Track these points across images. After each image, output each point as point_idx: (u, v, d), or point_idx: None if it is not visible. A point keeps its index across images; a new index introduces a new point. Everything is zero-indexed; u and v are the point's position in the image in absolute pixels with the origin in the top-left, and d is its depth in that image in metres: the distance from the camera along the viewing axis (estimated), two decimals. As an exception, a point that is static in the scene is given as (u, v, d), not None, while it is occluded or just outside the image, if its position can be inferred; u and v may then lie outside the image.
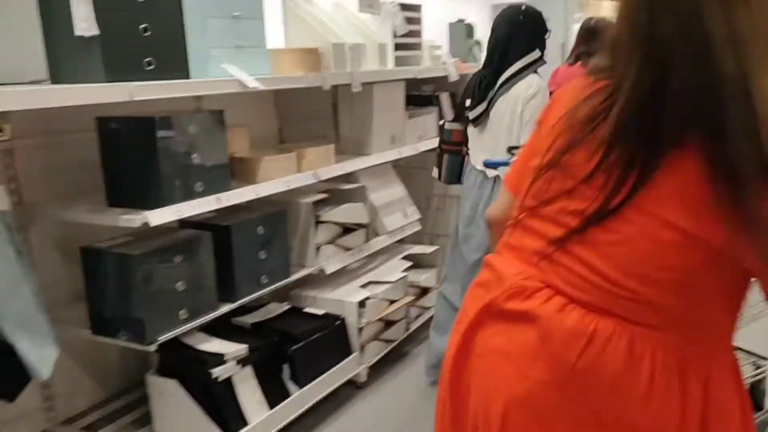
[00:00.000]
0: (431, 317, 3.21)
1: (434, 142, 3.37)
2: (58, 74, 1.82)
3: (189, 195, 2.02)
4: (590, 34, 3.39)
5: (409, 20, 3.05)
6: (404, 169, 3.58)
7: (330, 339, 2.52)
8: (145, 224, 1.87)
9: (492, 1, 5.12)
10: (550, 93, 2.71)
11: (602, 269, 0.91)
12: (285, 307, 2.61)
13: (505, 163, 2.18)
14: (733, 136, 0.79)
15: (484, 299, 1.04)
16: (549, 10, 5.01)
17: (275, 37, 2.68)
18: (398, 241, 3.13)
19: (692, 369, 0.92)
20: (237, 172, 2.31)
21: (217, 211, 2.21)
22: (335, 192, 2.75)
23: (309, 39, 2.65)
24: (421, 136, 3.29)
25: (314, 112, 3.03)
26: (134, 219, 1.86)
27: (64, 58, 1.80)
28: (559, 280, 0.96)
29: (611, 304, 0.91)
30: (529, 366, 0.96)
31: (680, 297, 0.88)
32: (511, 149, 2.24)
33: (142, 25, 1.84)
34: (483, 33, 4.15)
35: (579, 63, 3.43)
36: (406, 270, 2.95)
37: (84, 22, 1.69)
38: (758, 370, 2.31)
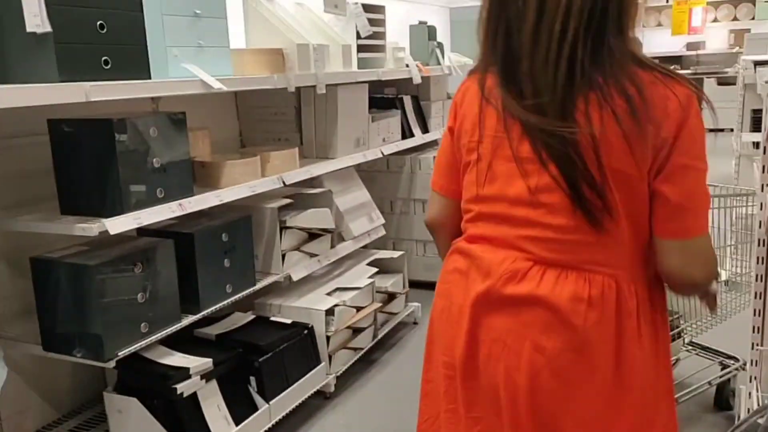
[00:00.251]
0: (399, 323, 3.16)
1: (398, 146, 3.34)
2: (7, 74, 1.69)
3: (149, 201, 1.91)
4: None
5: (373, 22, 3.00)
6: (366, 173, 3.53)
7: (297, 349, 2.44)
8: (103, 233, 1.76)
9: (449, 4, 5.12)
10: None
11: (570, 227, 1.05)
12: (250, 316, 2.52)
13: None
14: None
15: (475, 288, 1.12)
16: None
17: (235, 36, 2.59)
18: (363, 247, 3.07)
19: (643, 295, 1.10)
20: (199, 176, 2.22)
21: (178, 217, 2.11)
22: (300, 197, 2.68)
23: (271, 39, 2.57)
24: (385, 139, 3.24)
25: (276, 114, 2.95)
26: (91, 227, 1.74)
27: (14, 56, 1.67)
28: (543, 251, 1.08)
29: (591, 256, 1.06)
30: (543, 339, 1.06)
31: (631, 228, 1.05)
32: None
33: (99, 22, 1.73)
34: (442, 36, 4.14)
35: None
36: (372, 276, 2.90)
37: (35, 18, 1.57)
38: (725, 370, 2.35)
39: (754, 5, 9.34)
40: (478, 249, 1.15)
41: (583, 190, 1.02)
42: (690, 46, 9.83)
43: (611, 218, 1.04)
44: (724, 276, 2.24)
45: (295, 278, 2.56)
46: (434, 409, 1.23)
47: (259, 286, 2.41)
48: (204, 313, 2.17)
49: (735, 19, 9.59)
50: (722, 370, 2.35)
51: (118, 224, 1.78)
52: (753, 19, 9.35)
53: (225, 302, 2.25)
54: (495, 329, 1.10)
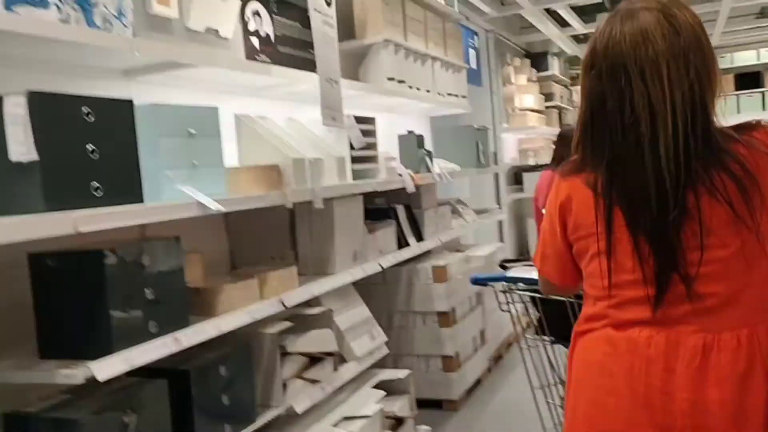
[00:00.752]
0: (410, 452, 2.89)
1: (396, 257, 3.20)
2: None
3: (141, 337, 1.71)
4: (562, 139, 3.86)
5: (365, 133, 2.95)
6: (361, 286, 3.36)
7: (305, 493, 2.17)
8: (90, 379, 1.54)
9: (429, 113, 5.18)
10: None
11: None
12: (250, 458, 2.24)
13: (498, 279, 2.01)
14: None
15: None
16: (481, 121, 5.13)
17: (228, 154, 2.49)
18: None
19: None
20: (192, 304, 2.03)
21: (171, 352, 1.90)
22: (299, 318, 2.48)
23: (265, 155, 2.47)
24: (382, 251, 3.11)
25: (269, 231, 2.80)
26: (75, 374, 1.53)
27: (-4, 186, 1.52)
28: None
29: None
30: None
31: None
32: (504, 263, 2.08)
33: (90, 146, 1.60)
34: (427, 144, 4.14)
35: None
36: (379, 401, 2.66)
37: (21, 146, 1.44)
38: None
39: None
40: None
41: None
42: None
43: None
44: None
45: (299, 410, 2.31)
46: None
47: (259, 423, 2.17)
48: (200, 461, 1.91)
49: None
50: None
51: (106, 367, 1.57)
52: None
53: (223, 446, 1.99)
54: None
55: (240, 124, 2.55)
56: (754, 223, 1.13)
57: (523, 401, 3.50)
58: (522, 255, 7.07)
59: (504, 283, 1.99)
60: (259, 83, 2.66)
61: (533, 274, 1.93)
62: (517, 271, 1.96)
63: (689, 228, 1.14)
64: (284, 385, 2.30)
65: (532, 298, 2.00)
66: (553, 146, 3.95)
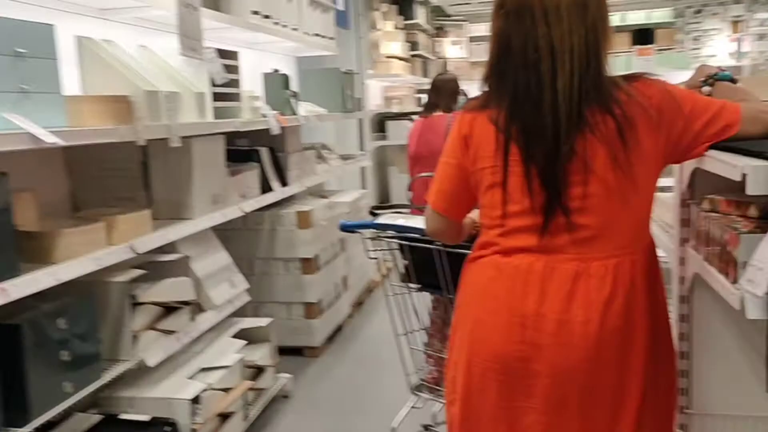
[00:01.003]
0: (271, 400, 2.83)
1: (258, 202, 3.06)
2: None
3: (-41, 289, 1.47)
4: (436, 88, 3.83)
5: (228, 68, 2.74)
6: (220, 231, 3.19)
7: (158, 450, 2.04)
8: None
9: (295, 53, 4.98)
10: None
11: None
12: (96, 417, 2.07)
13: (368, 225, 1.96)
14: None
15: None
16: (346, 65, 5.02)
17: (67, 82, 2.19)
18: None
19: None
20: (25, 250, 1.79)
21: (-1, 305, 1.67)
22: (152, 266, 2.30)
23: (113, 86, 2.20)
24: (244, 195, 2.96)
25: (116, 170, 2.53)
26: None
27: None
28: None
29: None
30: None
31: None
32: (373, 211, 2.03)
33: None
34: (293, 85, 3.97)
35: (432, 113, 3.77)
36: (240, 350, 2.57)
37: None
38: None
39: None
40: None
41: None
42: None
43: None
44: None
45: (150, 363, 2.16)
46: None
47: (106, 378, 1.99)
48: (35, 423, 1.72)
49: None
50: None
51: None
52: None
53: (63, 405, 1.81)
54: None
55: (83, 48, 2.24)
56: (628, 165, 1.23)
57: (383, 347, 3.58)
58: (384, 202, 7.16)
59: (373, 230, 1.95)
60: (105, 3, 2.36)
61: (402, 222, 1.91)
62: (387, 218, 1.93)
63: (575, 165, 1.25)
64: (135, 337, 2.13)
65: (400, 246, 1.98)
66: (427, 95, 3.95)
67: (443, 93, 3.72)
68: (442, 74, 4.01)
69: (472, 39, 10.02)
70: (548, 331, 1.26)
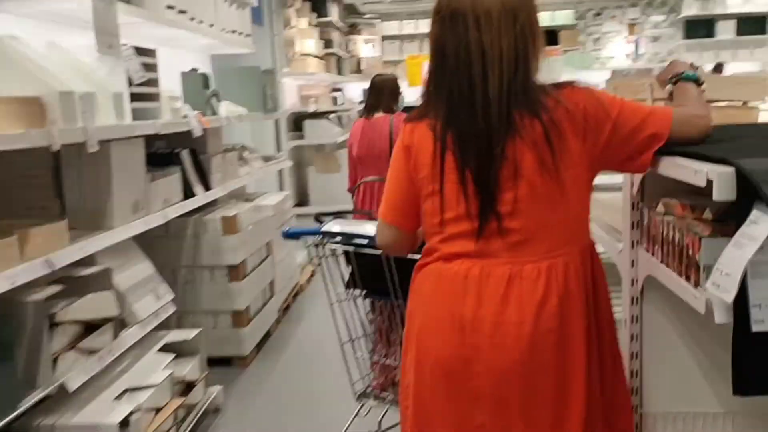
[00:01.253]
0: (202, 415, 2.70)
1: (182, 207, 2.91)
2: None
3: None
4: (373, 88, 3.75)
5: (146, 66, 2.58)
6: (141, 239, 3.01)
7: (85, 481, 1.89)
8: None
9: (211, 51, 4.79)
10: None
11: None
12: (13, 450, 1.88)
13: (316, 232, 1.89)
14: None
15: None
16: (261, 63, 4.89)
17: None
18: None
19: None
20: (-75, 271, 1.59)
21: None
22: (71, 280, 2.12)
23: (21, 86, 2.01)
24: (167, 200, 2.79)
25: (24, 177, 2.33)
26: None
27: None
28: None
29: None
30: None
31: None
32: (319, 217, 1.96)
33: None
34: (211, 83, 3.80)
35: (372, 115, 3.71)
36: (168, 365, 2.42)
37: None
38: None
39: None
40: None
41: None
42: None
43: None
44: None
45: (71, 387, 1.99)
46: None
47: (23, 407, 1.82)
48: (-55, 464, 1.54)
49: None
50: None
51: None
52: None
53: (-23, 441, 1.63)
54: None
55: (-16, 44, 2.03)
56: (555, 169, 1.27)
57: (314, 353, 3.51)
58: (303, 203, 7.04)
59: (318, 237, 1.88)
60: (7, -6, 2.15)
61: (352, 229, 1.86)
62: (333, 225, 1.87)
63: (506, 170, 1.28)
64: (54, 360, 1.95)
65: (345, 252, 1.92)
66: (365, 96, 3.88)
67: (383, 93, 3.67)
68: (381, 75, 3.93)
69: (385, 38, 10.05)
70: (485, 333, 1.29)
